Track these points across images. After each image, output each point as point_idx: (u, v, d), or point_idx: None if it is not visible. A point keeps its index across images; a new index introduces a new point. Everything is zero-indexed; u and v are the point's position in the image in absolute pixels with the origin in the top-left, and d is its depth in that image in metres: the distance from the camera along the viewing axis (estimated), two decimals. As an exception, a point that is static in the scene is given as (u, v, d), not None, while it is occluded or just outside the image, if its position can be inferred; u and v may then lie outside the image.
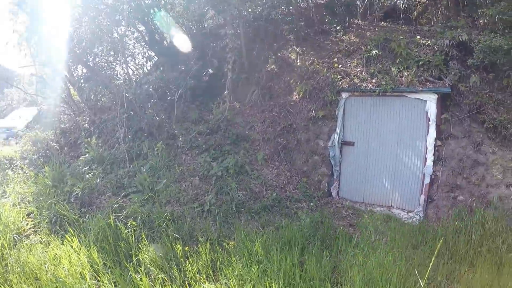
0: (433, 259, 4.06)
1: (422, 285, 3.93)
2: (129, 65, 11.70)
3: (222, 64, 10.15)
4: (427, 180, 7.54)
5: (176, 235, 6.10)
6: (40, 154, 10.15)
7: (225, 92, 9.80)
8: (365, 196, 8.45)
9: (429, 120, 7.48)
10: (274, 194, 7.73)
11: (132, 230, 6.12)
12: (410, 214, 7.60)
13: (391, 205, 8.08)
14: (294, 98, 9.54)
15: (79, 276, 5.27)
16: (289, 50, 10.61)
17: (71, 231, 6.20)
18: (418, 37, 8.83)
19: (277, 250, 5.53)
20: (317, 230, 6.42)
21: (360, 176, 8.51)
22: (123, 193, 7.58)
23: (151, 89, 10.13)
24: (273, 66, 10.21)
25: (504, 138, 7.00)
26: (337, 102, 8.58)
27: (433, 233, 6.30)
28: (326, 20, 11.03)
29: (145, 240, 5.95)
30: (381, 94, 7.89)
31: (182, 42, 10.58)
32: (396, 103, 7.88)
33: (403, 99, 7.79)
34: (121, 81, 11.18)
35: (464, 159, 7.27)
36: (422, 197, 7.56)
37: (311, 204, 7.93)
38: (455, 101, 7.52)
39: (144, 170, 8.18)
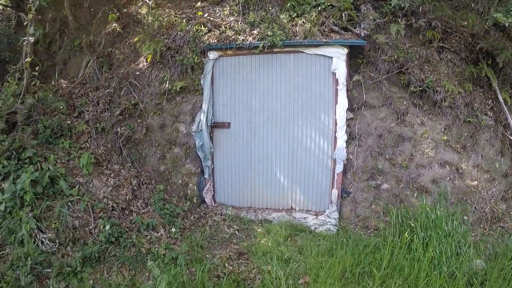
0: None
1: None
2: None
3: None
4: (339, 168, 5.57)
5: None
6: None
7: (24, 60, 6.17)
8: (254, 198, 6.13)
9: (337, 84, 5.49)
10: (108, 226, 4.58)
11: None
12: (321, 217, 5.58)
13: (292, 207, 5.99)
14: (140, 65, 6.62)
15: None
16: (139, 4, 7.81)
17: None
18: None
19: None
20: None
21: (243, 171, 6.09)
22: None
23: None
24: (115, 25, 7.40)
25: (434, 105, 5.73)
26: (203, 67, 6.12)
27: (372, 248, 3.97)
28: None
29: None
30: (266, 51, 5.64)
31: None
32: (289, 62, 5.75)
33: (299, 56, 5.71)
34: None
35: (385, 135, 5.79)
36: (335, 192, 5.65)
37: (173, 230, 5.05)
38: (369, 58, 5.94)
39: None
